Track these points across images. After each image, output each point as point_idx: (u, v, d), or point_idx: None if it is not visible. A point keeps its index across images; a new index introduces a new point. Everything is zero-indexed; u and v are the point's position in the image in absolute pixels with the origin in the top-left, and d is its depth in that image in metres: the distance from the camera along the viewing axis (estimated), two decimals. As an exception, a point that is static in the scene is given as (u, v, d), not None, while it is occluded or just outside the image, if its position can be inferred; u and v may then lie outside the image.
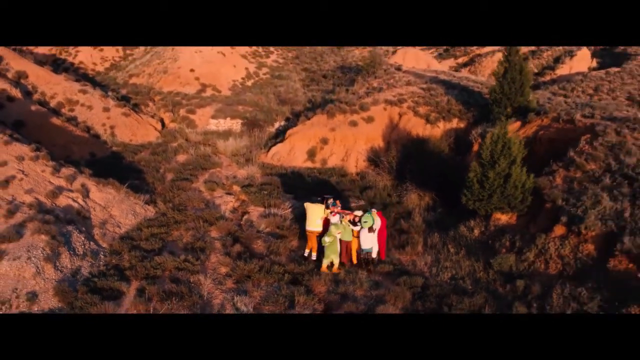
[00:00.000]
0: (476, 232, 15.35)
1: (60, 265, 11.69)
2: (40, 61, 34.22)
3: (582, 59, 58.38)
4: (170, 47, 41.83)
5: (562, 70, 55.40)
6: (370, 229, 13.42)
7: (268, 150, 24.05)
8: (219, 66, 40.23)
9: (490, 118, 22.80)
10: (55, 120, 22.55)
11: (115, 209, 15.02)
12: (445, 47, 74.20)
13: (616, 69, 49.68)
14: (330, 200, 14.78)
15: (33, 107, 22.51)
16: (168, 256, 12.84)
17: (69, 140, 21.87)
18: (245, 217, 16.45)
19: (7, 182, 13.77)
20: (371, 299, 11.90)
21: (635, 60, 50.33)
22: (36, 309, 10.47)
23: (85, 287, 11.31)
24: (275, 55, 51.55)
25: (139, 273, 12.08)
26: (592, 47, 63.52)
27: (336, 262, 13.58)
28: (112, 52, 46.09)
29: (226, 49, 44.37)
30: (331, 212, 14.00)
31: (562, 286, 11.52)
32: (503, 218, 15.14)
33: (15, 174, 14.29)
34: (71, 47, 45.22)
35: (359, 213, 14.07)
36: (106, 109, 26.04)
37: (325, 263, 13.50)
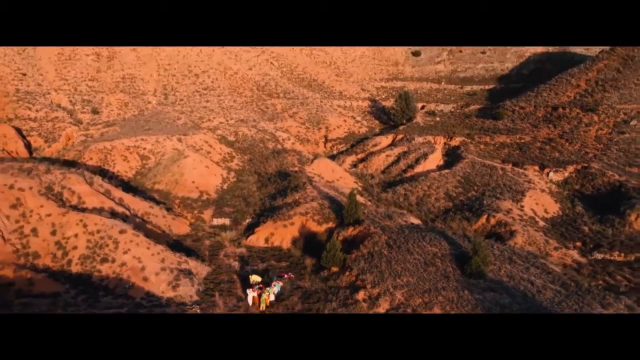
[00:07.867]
0: (326, 273, 41.43)
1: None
2: (90, 170, 57.77)
3: (434, 160, 77.15)
4: (177, 164, 65.91)
5: (419, 168, 72.48)
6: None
7: (247, 238, 48.62)
8: (207, 177, 64.51)
9: (344, 223, 49.35)
10: (149, 226, 47.29)
11: (191, 263, 40.27)
12: (351, 144, 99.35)
13: (447, 171, 74.99)
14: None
15: (137, 220, 47.30)
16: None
17: (156, 236, 46.37)
18: (245, 268, 42.02)
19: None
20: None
21: (462, 163, 73.15)
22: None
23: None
24: (236, 159, 74.89)
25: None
26: (447, 148, 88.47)
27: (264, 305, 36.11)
28: (135, 163, 69.11)
29: (209, 163, 68.86)
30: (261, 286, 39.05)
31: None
32: (333, 269, 41.25)
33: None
34: (110, 160, 68.29)
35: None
36: (164, 216, 50.80)
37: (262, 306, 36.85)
